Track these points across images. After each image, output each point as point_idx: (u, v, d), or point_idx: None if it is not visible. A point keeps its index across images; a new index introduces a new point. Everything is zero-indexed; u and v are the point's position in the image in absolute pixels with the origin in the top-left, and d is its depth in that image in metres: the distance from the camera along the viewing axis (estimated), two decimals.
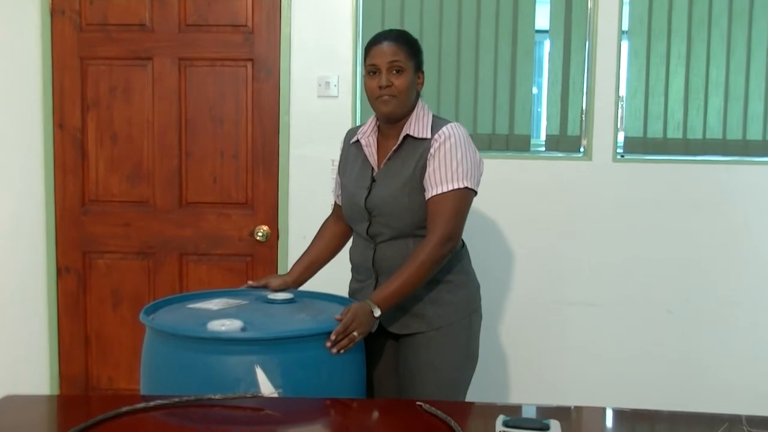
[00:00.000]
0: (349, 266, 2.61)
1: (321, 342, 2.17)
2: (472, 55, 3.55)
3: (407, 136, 2.42)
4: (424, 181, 2.37)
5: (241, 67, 3.57)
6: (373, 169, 2.48)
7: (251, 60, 3.56)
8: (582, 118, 3.55)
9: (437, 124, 2.43)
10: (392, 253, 2.44)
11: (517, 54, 3.54)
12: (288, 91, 3.54)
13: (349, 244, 2.66)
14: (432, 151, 2.36)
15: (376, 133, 2.52)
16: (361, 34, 3.52)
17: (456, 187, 2.33)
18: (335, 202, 2.73)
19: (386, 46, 2.39)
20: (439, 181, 2.34)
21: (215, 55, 3.57)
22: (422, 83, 2.48)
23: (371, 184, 2.46)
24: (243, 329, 2.16)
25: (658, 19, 3.49)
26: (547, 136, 3.62)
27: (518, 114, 3.57)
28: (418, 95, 2.48)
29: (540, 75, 4.02)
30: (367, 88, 2.43)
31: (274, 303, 2.51)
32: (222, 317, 2.25)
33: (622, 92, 3.54)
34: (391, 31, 2.49)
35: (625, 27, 3.49)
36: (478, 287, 2.57)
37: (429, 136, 2.39)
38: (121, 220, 3.65)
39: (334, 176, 2.72)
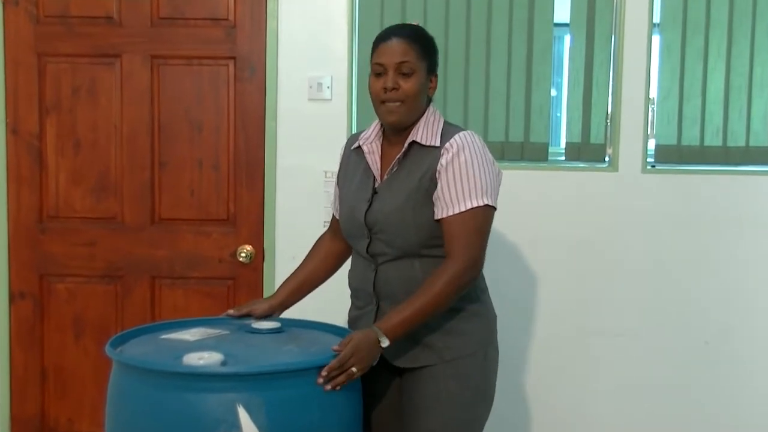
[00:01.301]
0: (347, 291, 2.58)
1: (312, 378, 2.14)
2: (482, 53, 3.54)
3: (413, 142, 2.40)
4: (435, 198, 2.34)
5: (222, 66, 3.56)
6: (375, 179, 2.45)
7: (233, 58, 3.55)
8: (607, 123, 3.54)
9: (448, 131, 2.40)
10: (396, 275, 2.40)
11: (533, 51, 3.53)
12: (275, 93, 3.53)
13: (348, 265, 2.62)
14: (443, 162, 2.33)
15: (381, 139, 2.50)
16: (358, 29, 3.52)
17: (475, 204, 2.30)
18: (333, 216, 2.71)
19: (395, 44, 2.36)
20: (455, 200, 2.31)
21: (192, 53, 3.56)
22: (435, 88, 2.45)
23: (372, 197, 2.43)
24: (223, 363, 2.14)
25: (695, 9, 3.49)
26: (567, 144, 3.62)
27: (535, 119, 3.55)
28: (429, 101, 2.45)
29: (559, 75, 4.02)
30: (371, 90, 2.41)
31: (259, 333, 2.49)
32: (200, 349, 2.22)
33: (653, 94, 3.54)
34: (403, 26, 2.46)
35: (656, 19, 3.48)
36: (495, 318, 2.55)
37: (437, 143, 2.37)
38: (84, 238, 3.62)
39: (332, 188, 2.70)
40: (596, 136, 3.54)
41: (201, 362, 2.11)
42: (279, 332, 2.50)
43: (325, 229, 2.78)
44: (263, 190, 3.56)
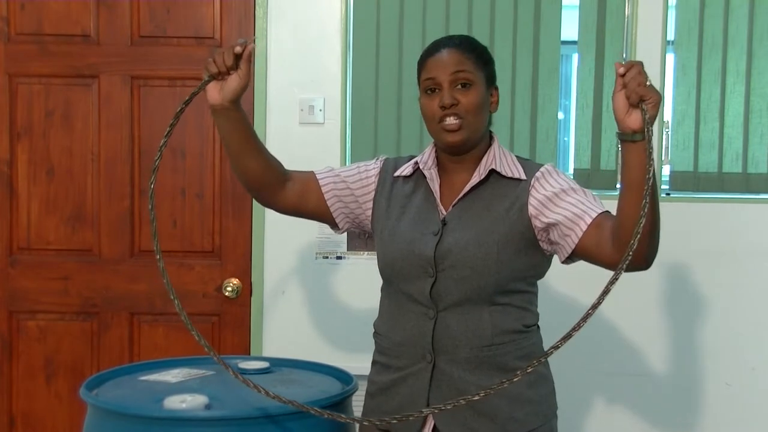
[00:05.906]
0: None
1: (304, 421, 2.14)
2: None
3: (493, 171, 2.27)
4: (562, 215, 2.17)
5: None
6: (439, 211, 2.29)
7: None
8: (618, 148, 3.50)
9: (527, 164, 2.31)
10: (460, 325, 2.21)
11: (538, 70, 3.54)
12: (264, 116, 3.53)
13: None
14: (544, 191, 2.21)
15: (436, 166, 2.35)
16: (352, 48, 3.53)
17: (601, 210, 2.17)
18: (313, 172, 2.53)
19: (447, 55, 2.24)
20: (581, 213, 2.16)
21: (175, 73, 3.57)
22: (497, 102, 2.33)
23: (441, 228, 2.25)
24: (208, 406, 2.14)
25: (712, 26, 3.50)
26: (575, 170, 3.61)
27: (540, 144, 3.56)
28: (490, 120, 2.34)
29: (567, 97, 4.03)
30: (424, 111, 2.27)
31: (246, 373, 2.45)
32: (182, 392, 2.23)
33: (667, 117, 3.54)
34: (451, 37, 2.36)
35: (670, 37, 3.50)
36: (553, 382, 2.41)
37: (522, 176, 2.26)
38: (58, 272, 3.62)
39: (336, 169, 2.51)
40: (607, 162, 3.55)
41: (183, 406, 2.11)
42: (267, 372, 2.50)
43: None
44: (251, 220, 3.56)
